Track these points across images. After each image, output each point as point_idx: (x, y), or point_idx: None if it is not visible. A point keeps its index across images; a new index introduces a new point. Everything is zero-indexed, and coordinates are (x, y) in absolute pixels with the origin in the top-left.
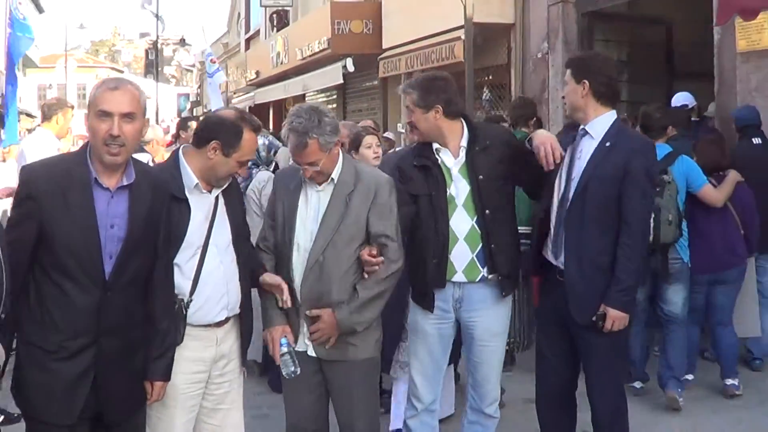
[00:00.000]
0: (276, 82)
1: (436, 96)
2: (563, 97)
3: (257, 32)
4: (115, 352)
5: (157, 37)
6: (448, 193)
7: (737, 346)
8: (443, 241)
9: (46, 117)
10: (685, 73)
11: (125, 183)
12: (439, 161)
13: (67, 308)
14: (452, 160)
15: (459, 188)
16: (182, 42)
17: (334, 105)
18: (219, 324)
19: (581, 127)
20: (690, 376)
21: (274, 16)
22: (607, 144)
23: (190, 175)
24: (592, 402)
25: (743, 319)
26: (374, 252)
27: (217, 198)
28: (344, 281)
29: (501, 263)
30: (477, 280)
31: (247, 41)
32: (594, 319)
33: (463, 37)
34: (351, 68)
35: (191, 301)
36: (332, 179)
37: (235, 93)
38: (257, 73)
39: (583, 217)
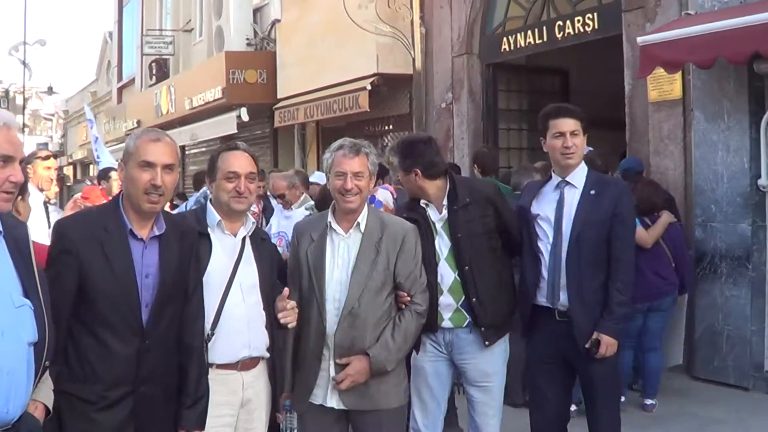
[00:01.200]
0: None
1: (413, 160)
2: (566, 147)
3: (132, 80)
4: (153, 399)
5: (24, 84)
6: (434, 247)
7: (661, 370)
8: (431, 290)
9: None
10: None
11: (157, 233)
12: (427, 215)
13: (106, 358)
14: (437, 216)
15: (442, 243)
16: (50, 90)
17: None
18: (245, 366)
19: (561, 179)
20: (622, 398)
21: (153, 65)
22: (592, 192)
23: (213, 214)
24: (597, 428)
25: (670, 349)
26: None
27: (244, 240)
28: (377, 328)
29: (482, 316)
30: (464, 325)
31: (120, 90)
32: (587, 346)
33: (368, 87)
34: (245, 118)
35: (212, 335)
36: (358, 225)
37: (107, 143)
38: (138, 122)
39: (580, 262)
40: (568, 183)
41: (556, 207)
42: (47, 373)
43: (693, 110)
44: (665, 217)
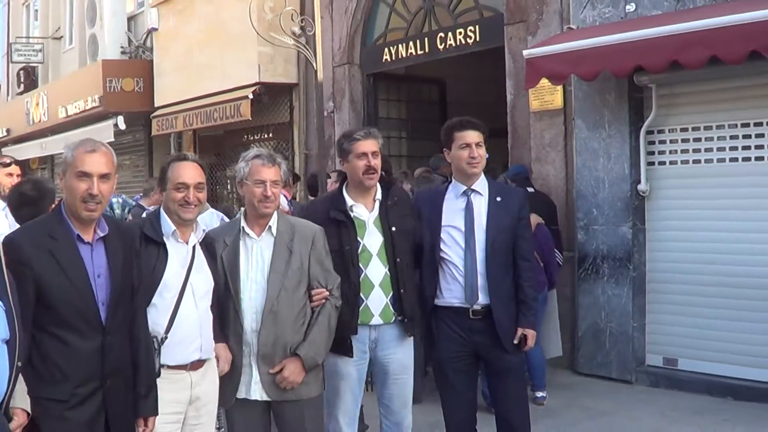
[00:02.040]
0: (30, 140)
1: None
2: (472, 157)
3: None
4: (119, 392)
5: None
6: (361, 245)
7: (544, 364)
8: (355, 290)
9: None
10: None
11: (101, 234)
12: (353, 216)
13: (72, 357)
14: (367, 213)
15: (373, 239)
16: None
17: (139, 162)
18: (194, 367)
19: (466, 187)
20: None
21: (21, 72)
22: (498, 198)
23: (167, 224)
24: (511, 417)
25: (548, 342)
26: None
27: (194, 248)
28: (296, 323)
29: (408, 307)
30: (392, 321)
31: None
32: (516, 342)
33: (250, 96)
34: (123, 126)
35: (165, 338)
36: (270, 228)
37: None
38: (8, 130)
39: (495, 264)
40: (474, 191)
41: (465, 214)
42: (20, 377)
43: (575, 119)
44: (533, 218)
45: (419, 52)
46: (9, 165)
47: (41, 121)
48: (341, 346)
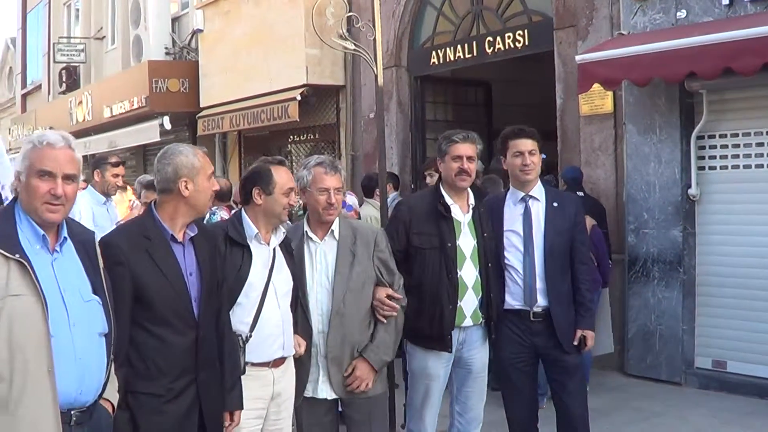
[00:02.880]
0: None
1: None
2: (525, 165)
3: (37, 88)
4: (211, 384)
5: None
6: (457, 246)
7: (590, 361)
8: (455, 289)
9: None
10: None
11: (191, 235)
12: (452, 214)
13: (168, 353)
14: (462, 216)
15: (466, 242)
16: None
17: (134, 161)
18: (276, 364)
19: (524, 194)
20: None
21: (63, 72)
22: (555, 204)
23: (250, 227)
24: (571, 414)
25: (599, 339)
26: (390, 293)
27: (275, 250)
28: (363, 323)
29: (494, 310)
30: (479, 323)
31: (24, 96)
32: (576, 343)
33: (298, 97)
34: (168, 126)
35: (250, 337)
36: (333, 232)
37: (10, 150)
38: (50, 129)
39: (553, 268)
40: (531, 197)
41: (524, 220)
42: (113, 372)
43: (626, 124)
44: (588, 221)
45: (467, 56)
46: (117, 165)
47: (85, 120)
48: (439, 342)
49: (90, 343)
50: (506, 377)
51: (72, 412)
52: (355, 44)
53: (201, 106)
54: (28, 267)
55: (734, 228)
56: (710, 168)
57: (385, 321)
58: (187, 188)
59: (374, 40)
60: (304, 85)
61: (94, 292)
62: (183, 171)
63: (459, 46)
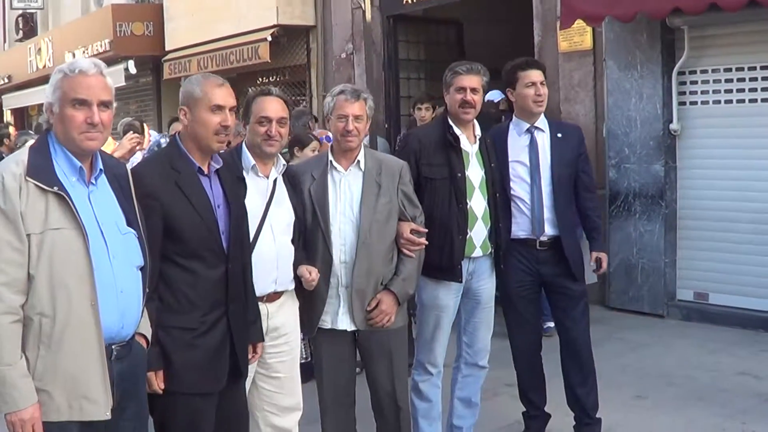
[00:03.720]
0: (32, 87)
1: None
2: (538, 95)
3: None
4: (240, 316)
5: None
6: (466, 176)
7: None
8: (465, 219)
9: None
10: None
11: (216, 167)
12: (461, 144)
13: (199, 286)
14: (469, 146)
15: (475, 172)
16: None
17: None
18: (270, 299)
19: (530, 124)
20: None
21: (20, 19)
22: (559, 135)
23: (248, 158)
24: (576, 340)
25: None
26: (414, 227)
27: (275, 182)
28: (387, 255)
29: (502, 239)
30: (488, 253)
31: None
32: (594, 264)
33: (269, 38)
34: (133, 70)
35: None
36: (358, 163)
37: None
38: (9, 77)
39: (561, 198)
40: (537, 128)
41: (530, 150)
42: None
43: (606, 60)
44: None
45: None
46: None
47: (45, 67)
48: (449, 272)
49: (129, 276)
50: (512, 306)
51: (113, 347)
52: None
53: (167, 49)
54: (68, 199)
55: (715, 162)
56: (691, 103)
57: (413, 256)
58: (186, 118)
59: None
60: (274, 26)
61: (129, 224)
62: (183, 99)
63: None
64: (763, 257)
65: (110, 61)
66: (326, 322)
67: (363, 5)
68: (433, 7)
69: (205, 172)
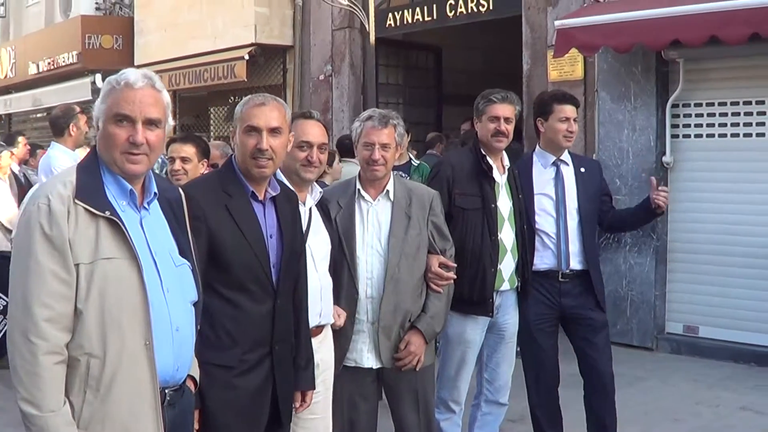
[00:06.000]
0: None
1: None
2: (570, 131)
3: None
4: (285, 359)
5: None
6: (498, 207)
7: None
8: (497, 251)
9: (58, 131)
10: (451, 96)
11: (272, 194)
12: (493, 174)
13: (243, 321)
14: (499, 176)
15: (503, 203)
16: None
17: None
18: (314, 333)
19: (555, 158)
20: None
21: None
22: (582, 170)
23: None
24: (601, 371)
25: None
26: (444, 262)
27: (311, 210)
28: (415, 291)
29: (526, 273)
30: (515, 287)
31: None
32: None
33: (246, 56)
34: (100, 84)
35: None
36: (387, 192)
37: None
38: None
39: (589, 231)
40: (562, 161)
41: (556, 183)
42: None
43: (598, 91)
44: None
45: (426, 18)
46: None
47: (7, 77)
48: (481, 306)
49: (184, 312)
50: (532, 339)
51: (166, 391)
52: (349, 1)
53: (136, 63)
54: (122, 225)
55: (707, 195)
56: (684, 136)
57: (441, 291)
58: (232, 139)
59: None
60: (252, 44)
61: (182, 255)
62: (234, 118)
63: (418, 9)
64: (753, 291)
65: (77, 74)
66: (350, 360)
67: (367, 26)
68: (414, 32)
69: (260, 197)
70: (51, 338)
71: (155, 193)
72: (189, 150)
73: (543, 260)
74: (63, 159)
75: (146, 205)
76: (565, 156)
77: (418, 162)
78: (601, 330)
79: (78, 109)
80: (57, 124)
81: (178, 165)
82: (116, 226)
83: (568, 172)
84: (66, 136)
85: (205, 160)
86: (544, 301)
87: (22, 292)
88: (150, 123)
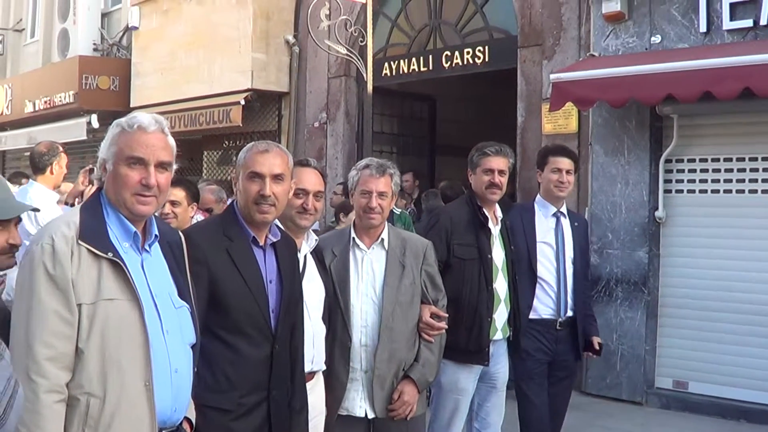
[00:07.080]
0: None
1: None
2: (560, 182)
3: None
4: (282, 404)
5: None
6: (493, 258)
7: None
8: (492, 301)
9: (39, 169)
10: (445, 146)
11: (273, 240)
12: (488, 225)
13: (241, 365)
14: (493, 227)
15: (497, 254)
16: None
17: None
18: (306, 379)
19: (556, 209)
20: None
21: None
22: (575, 224)
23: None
24: (560, 410)
25: None
26: (435, 312)
27: (305, 257)
28: (410, 339)
29: (520, 322)
30: (507, 336)
31: None
32: (597, 348)
33: (242, 102)
34: (96, 124)
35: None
36: (382, 241)
37: None
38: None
39: (579, 281)
40: (561, 213)
41: (556, 233)
42: None
43: (592, 144)
44: None
45: (422, 69)
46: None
47: (3, 114)
48: (477, 355)
49: (183, 354)
50: (531, 384)
51: None
52: (347, 49)
53: (132, 105)
54: (124, 267)
55: (699, 251)
56: (677, 191)
57: (432, 341)
58: (235, 185)
59: (366, 45)
60: (248, 90)
61: (181, 297)
62: (237, 164)
63: (414, 59)
64: (744, 347)
65: (73, 114)
66: (342, 408)
67: (365, 74)
68: (407, 82)
69: (260, 243)
70: (52, 377)
71: (156, 236)
72: (179, 194)
73: (544, 308)
74: (45, 199)
75: (147, 247)
76: (564, 209)
77: (399, 210)
78: (574, 373)
79: (61, 147)
80: (40, 161)
81: (167, 208)
82: (118, 267)
83: (567, 224)
84: (47, 174)
85: (195, 204)
86: (541, 348)
87: (24, 331)
88: (161, 166)
